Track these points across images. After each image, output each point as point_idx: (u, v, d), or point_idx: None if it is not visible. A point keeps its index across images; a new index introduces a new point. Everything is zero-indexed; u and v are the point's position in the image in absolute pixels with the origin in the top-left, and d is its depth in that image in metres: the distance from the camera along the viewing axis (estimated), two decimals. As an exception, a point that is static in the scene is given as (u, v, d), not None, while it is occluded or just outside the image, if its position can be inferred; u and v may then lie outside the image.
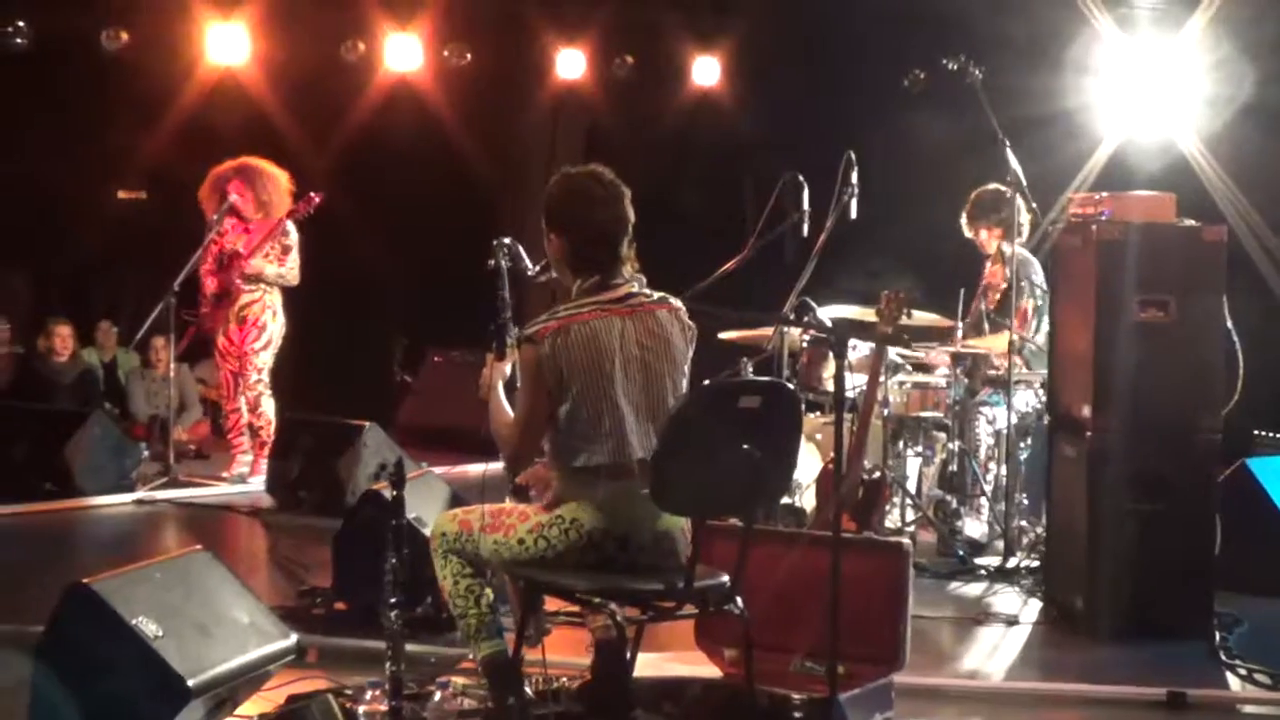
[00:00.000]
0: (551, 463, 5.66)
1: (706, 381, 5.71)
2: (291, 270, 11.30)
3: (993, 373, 9.35)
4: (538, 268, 6.08)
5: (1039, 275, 9.24)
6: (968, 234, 9.71)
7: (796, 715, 5.93)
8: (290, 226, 11.30)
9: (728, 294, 7.91)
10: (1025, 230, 9.43)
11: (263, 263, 11.19)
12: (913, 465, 9.53)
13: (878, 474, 8.66)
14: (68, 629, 5.57)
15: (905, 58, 13.47)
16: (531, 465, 5.82)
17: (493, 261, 6.10)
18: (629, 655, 5.81)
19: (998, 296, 9.46)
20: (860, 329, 8.94)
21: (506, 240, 6.12)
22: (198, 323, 11.43)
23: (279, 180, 11.35)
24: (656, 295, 5.71)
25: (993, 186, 9.48)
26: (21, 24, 12.92)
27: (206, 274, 11.29)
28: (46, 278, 15.58)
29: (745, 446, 5.31)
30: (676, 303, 5.73)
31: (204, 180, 11.44)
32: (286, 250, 11.25)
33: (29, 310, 15.17)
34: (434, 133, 14.42)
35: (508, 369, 5.83)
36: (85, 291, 15.65)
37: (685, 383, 5.68)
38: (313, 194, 11.29)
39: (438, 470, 8.60)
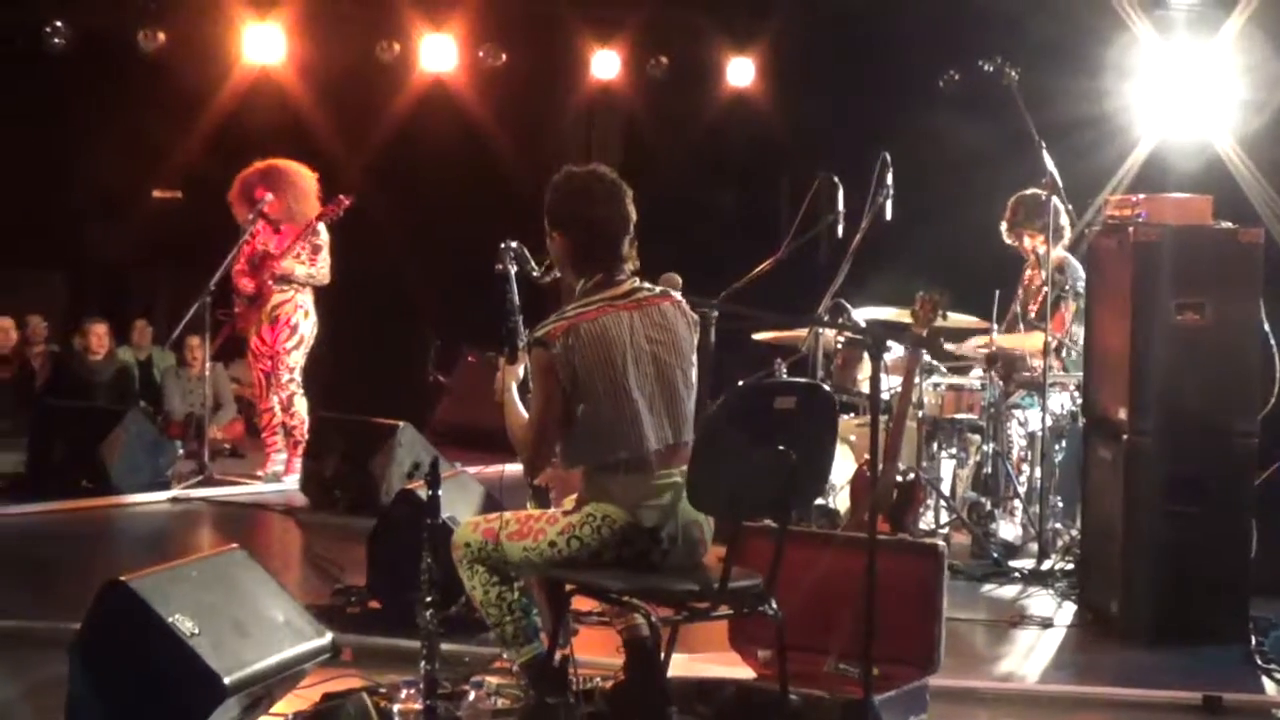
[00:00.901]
0: (568, 462, 5.67)
1: (741, 382, 5.71)
2: (322, 270, 11.31)
3: (1027, 375, 9.33)
4: (542, 269, 6.08)
5: (1082, 280, 9.17)
6: (1008, 240, 9.65)
7: (830, 717, 5.93)
8: (320, 227, 11.31)
9: (762, 295, 7.91)
10: (1066, 233, 9.40)
11: (293, 263, 11.20)
12: (947, 467, 9.51)
13: (912, 476, 8.65)
14: (105, 626, 5.60)
15: (940, 59, 13.45)
16: (548, 466, 5.84)
17: (500, 265, 6.11)
18: (663, 656, 5.81)
19: (1041, 299, 9.38)
20: (895, 331, 8.93)
21: (513, 244, 6.14)
22: (231, 322, 11.46)
23: (306, 183, 11.34)
24: (658, 289, 5.74)
25: (1031, 191, 9.43)
26: (60, 24, 12.99)
27: (239, 274, 11.30)
28: (82, 276, 15.66)
29: (780, 447, 5.31)
30: (677, 295, 5.77)
31: (230, 196, 11.44)
32: (317, 250, 11.26)
33: (65, 309, 15.25)
34: (469, 133, 14.45)
35: (520, 372, 5.86)
36: (121, 290, 15.72)
37: (694, 373, 5.71)
38: (343, 196, 11.28)
39: (471, 470, 8.61)
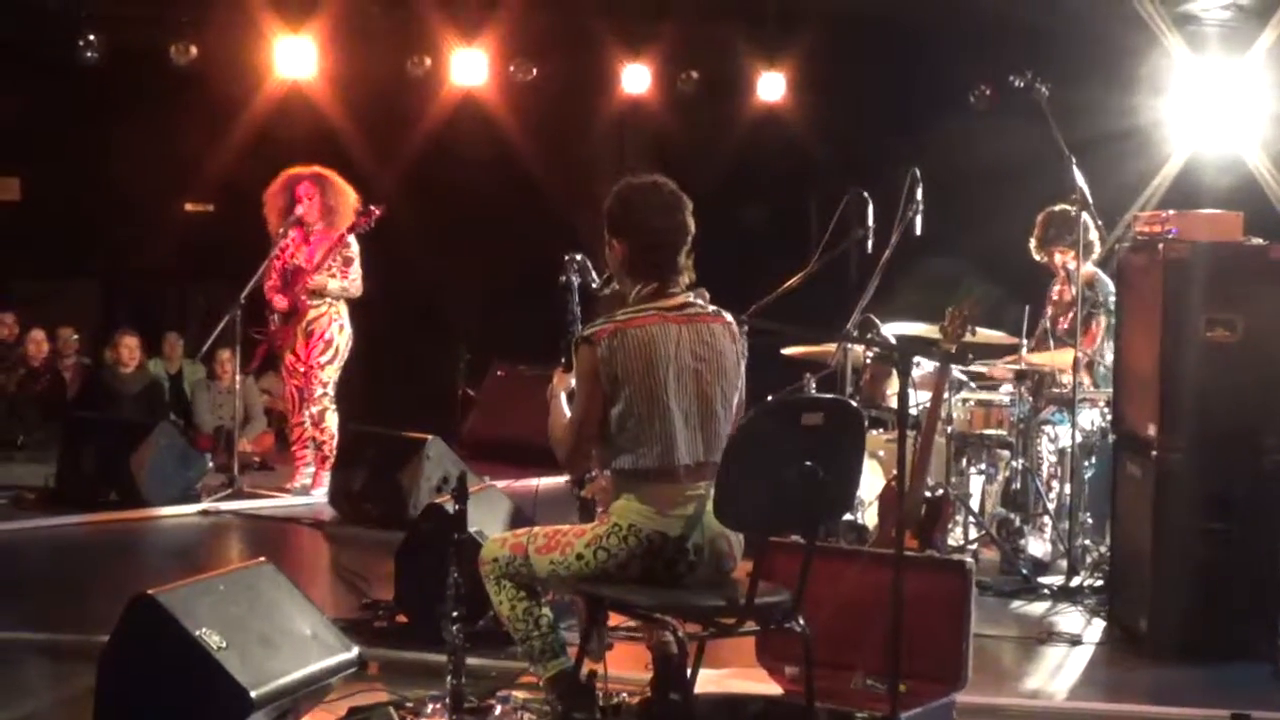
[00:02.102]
0: (601, 463, 5.69)
1: (770, 398, 5.71)
2: (354, 282, 11.29)
3: (1057, 391, 9.31)
4: (602, 281, 6.13)
5: (1113, 295, 9.13)
6: (1038, 258, 9.63)
7: (858, 733, 5.93)
8: (351, 239, 11.29)
9: (791, 310, 7.90)
10: (1096, 248, 9.38)
11: (325, 279, 11.17)
12: (976, 483, 9.49)
13: (940, 492, 8.63)
14: (132, 640, 5.62)
15: (972, 74, 13.44)
16: (586, 465, 5.87)
17: (564, 277, 6.17)
18: (690, 672, 5.81)
19: (1071, 314, 9.35)
20: (924, 346, 8.91)
21: (578, 256, 6.20)
22: (268, 340, 11.44)
23: (348, 195, 11.34)
24: (711, 308, 5.74)
25: (1060, 207, 9.43)
26: (93, 38, 13.05)
27: (271, 290, 11.28)
28: (114, 289, 15.72)
29: (808, 463, 5.30)
30: (729, 317, 5.76)
31: (266, 194, 11.42)
32: (348, 262, 11.24)
33: (97, 321, 15.32)
34: (500, 147, 14.48)
35: (573, 381, 5.87)
36: (152, 303, 15.78)
37: (736, 397, 5.69)
38: (374, 207, 11.24)
39: (500, 484, 8.61)
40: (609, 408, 5.54)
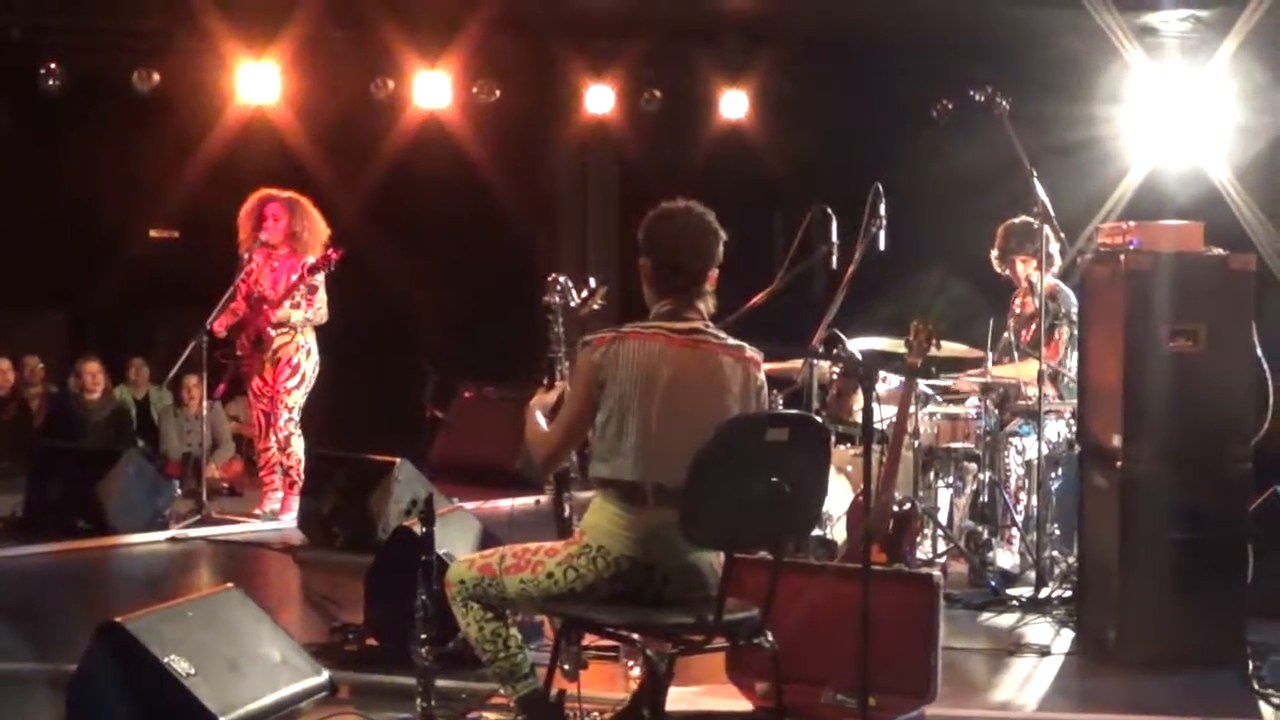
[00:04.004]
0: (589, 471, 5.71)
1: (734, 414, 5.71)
2: (319, 311, 11.28)
3: (1023, 403, 9.34)
4: (580, 300, 6.20)
5: (1076, 307, 9.18)
6: (1000, 269, 9.69)
7: (828, 748, 5.94)
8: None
9: (757, 326, 7.90)
10: (1056, 260, 9.41)
11: (289, 312, 11.15)
12: (943, 496, 9.51)
13: (908, 505, 8.65)
14: (100, 667, 5.61)
15: (933, 88, 13.49)
16: (561, 467, 5.90)
17: (547, 297, 6.27)
18: (660, 689, 5.80)
19: (1034, 326, 9.38)
20: (889, 361, 8.94)
21: (561, 277, 6.32)
22: (235, 363, 11.41)
23: (317, 225, 11.32)
24: (731, 341, 5.73)
25: (1021, 219, 9.49)
26: (54, 66, 13.03)
27: (230, 314, 11.23)
28: (80, 317, 15.68)
29: (774, 479, 5.31)
30: (753, 354, 5.74)
31: (239, 213, 11.41)
32: (313, 290, 11.22)
33: (63, 349, 15.26)
34: (464, 169, 14.48)
35: (552, 399, 5.92)
36: (118, 330, 15.73)
37: None
38: (333, 251, 11.18)
39: (469, 505, 8.61)
40: (596, 414, 5.55)
